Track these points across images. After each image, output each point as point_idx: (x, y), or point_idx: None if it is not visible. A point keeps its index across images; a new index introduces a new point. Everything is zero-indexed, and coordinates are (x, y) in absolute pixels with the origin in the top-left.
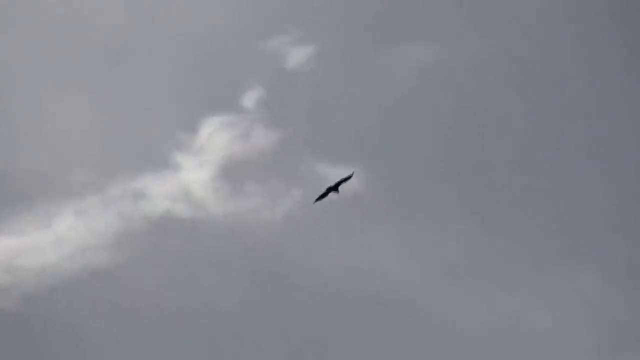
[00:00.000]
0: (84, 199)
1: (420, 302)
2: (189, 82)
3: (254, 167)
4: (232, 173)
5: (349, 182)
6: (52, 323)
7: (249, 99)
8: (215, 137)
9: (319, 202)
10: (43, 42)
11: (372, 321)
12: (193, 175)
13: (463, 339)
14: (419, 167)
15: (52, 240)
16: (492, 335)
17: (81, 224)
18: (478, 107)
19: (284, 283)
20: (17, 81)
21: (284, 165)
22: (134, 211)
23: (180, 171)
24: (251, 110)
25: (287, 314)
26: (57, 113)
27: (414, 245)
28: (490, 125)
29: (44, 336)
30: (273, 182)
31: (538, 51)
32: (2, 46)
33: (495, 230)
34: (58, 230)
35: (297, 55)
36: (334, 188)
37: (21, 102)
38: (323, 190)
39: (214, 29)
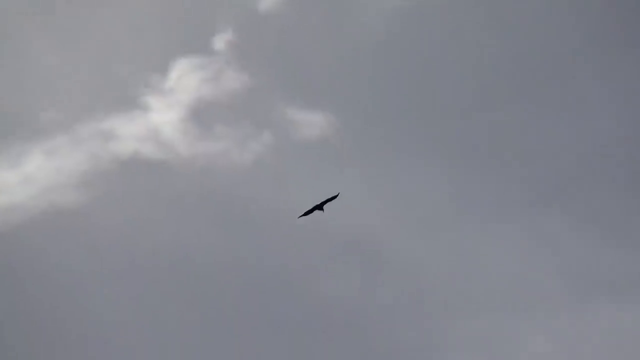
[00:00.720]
0: (53, 138)
1: (388, 245)
2: (160, 22)
3: (223, 110)
4: (201, 115)
5: (319, 130)
6: (18, 262)
7: (220, 41)
8: (186, 79)
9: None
10: None
11: (340, 263)
12: (162, 117)
13: (429, 281)
14: (389, 112)
15: (21, 179)
16: (458, 276)
17: (50, 163)
18: (450, 53)
19: (252, 226)
20: None
21: (254, 108)
22: (103, 151)
23: (149, 112)
24: (222, 52)
25: (254, 256)
26: (27, 53)
27: (382, 189)
28: (461, 70)
29: (10, 275)
30: (243, 126)
31: None
32: None
33: (464, 175)
34: (26, 170)
35: None
36: (320, 207)
37: None
38: (309, 207)
39: None
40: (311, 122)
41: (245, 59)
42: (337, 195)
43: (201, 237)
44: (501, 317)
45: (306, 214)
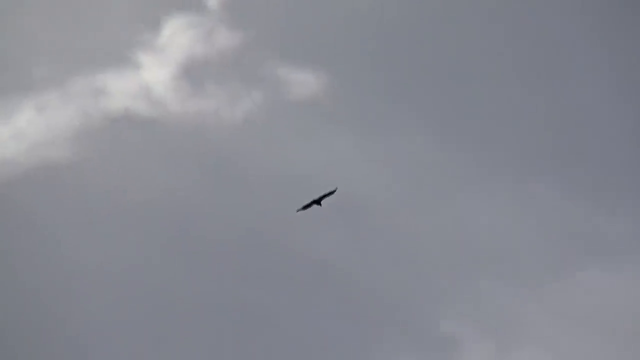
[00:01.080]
0: (44, 94)
1: (378, 205)
2: None
3: (215, 68)
4: (193, 73)
5: (310, 89)
6: (8, 216)
7: None
8: (178, 37)
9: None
10: None
11: (328, 223)
12: (154, 74)
13: (418, 242)
14: (381, 74)
15: (12, 134)
16: (448, 238)
17: (41, 118)
18: (444, 14)
19: (242, 183)
20: None
21: (246, 67)
22: (94, 108)
23: (141, 69)
24: (215, 10)
25: (242, 214)
26: (19, 9)
27: (373, 150)
28: (456, 33)
29: (0, 229)
30: (234, 84)
31: None
32: None
33: (455, 138)
34: (17, 125)
35: None
36: (317, 202)
37: None
38: (307, 201)
39: None
40: (303, 82)
41: (237, 18)
42: (334, 191)
43: (191, 194)
44: (490, 279)
45: (304, 208)
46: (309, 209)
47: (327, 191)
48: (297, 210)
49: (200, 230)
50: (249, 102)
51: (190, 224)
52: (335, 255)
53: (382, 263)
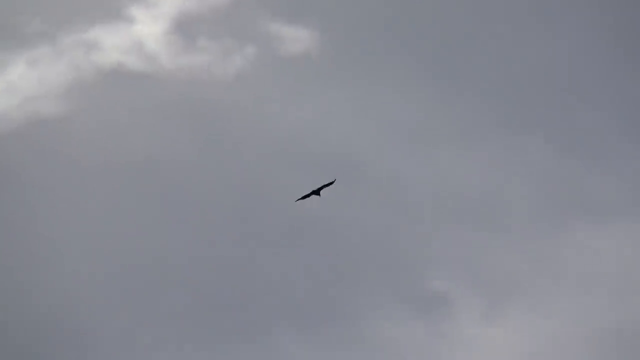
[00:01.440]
0: (36, 48)
1: (369, 161)
2: None
3: (208, 23)
4: (185, 28)
5: (303, 45)
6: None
7: None
8: None
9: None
10: None
11: (321, 178)
12: (146, 29)
13: (410, 199)
14: (374, 30)
15: (3, 88)
16: (439, 195)
17: (32, 73)
18: None
19: (233, 140)
20: None
21: (239, 22)
22: (86, 62)
23: (133, 24)
24: None
25: (233, 170)
26: None
27: (365, 107)
28: None
29: None
30: (226, 39)
31: None
32: None
33: (448, 94)
34: (9, 79)
35: None
36: (317, 192)
37: None
38: (307, 191)
39: None
40: (295, 38)
41: None
42: (333, 182)
43: (183, 149)
44: (481, 236)
45: (303, 198)
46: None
47: (326, 182)
48: (296, 200)
49: (191, 185)
50: (242, 57)
51: (182, 179)
52: (327, 211)
53: (372, 218)
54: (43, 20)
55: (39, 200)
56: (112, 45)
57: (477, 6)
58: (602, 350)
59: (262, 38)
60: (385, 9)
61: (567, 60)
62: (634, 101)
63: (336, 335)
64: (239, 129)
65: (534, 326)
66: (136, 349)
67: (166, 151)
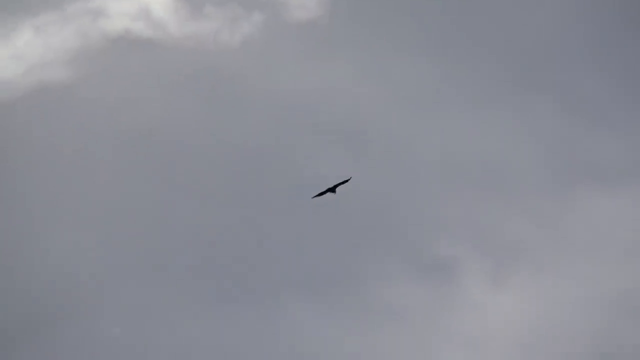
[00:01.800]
0: (43, 15)
1: (376, 127)
2: None
3: None
4: None
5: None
6: (7, 137)
7: None
8: None
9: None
10: None
11: (328, 145)
12: None
13: (415, 162)
14: None
15: (10, 55)
16: (446, 159)
17: (39, 39)
18: None
19: (239, 105)
20: None
21: None
22: (93, 29)
23: None
24: None
25: (241, 137)
26: None
27: (372, 73)
28: None
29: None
30: (233, 6)
31: None
32: None
33: (454, 60)
34: (16, 46)
35: None
36: (332, 189)
37: None
38: (322, 189)
39: None
40: (302, 4)
41: None
42: (349, 179)
43: (189, 115)
44: (488, 201)
45: (319, 195)
46: (323, 196)
47: (341, 180)
48: (313, 197)
49: (198, 151)
50: (249, 24)
51: (188, 145)
52: (335, 177)
53: (379, 184)
54: None
55: (45, 166)
56: (118, 12)
57: None
58: (609, 313)
59: (269, 5)
60: None
61: (576, 22)
62: None
63: (343, 301)
64: (246, 95)
65: (541, 290)
66: (142, 312)
67: (172, 117)
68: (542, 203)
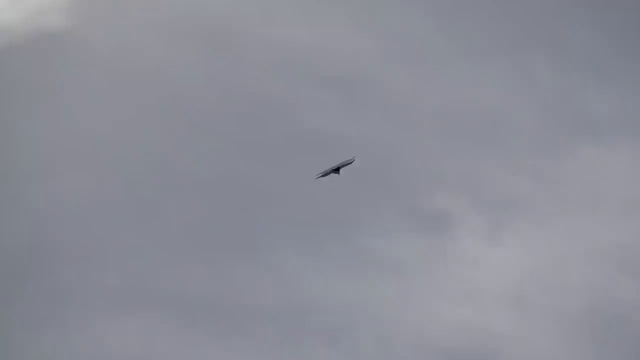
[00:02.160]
0: None
1: (375, 80)
2: None
3: None
4: None
5: None
6: (6, 83)
7: None
8: None
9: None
10: None
11: (326, 94)
12: None
13: (416, 116)
14: None
15: (8, 1)
16: (443, 111)
17: None
18: None
19: (237, 55)
20: None
21: None
22: None
23: None
24: None
25: (239, 83)
26: None
27: (370, 23)
28: None
29: None
30: None
31: None
32: None
33: (454, 11)
34: None
35: None
36: (336, 170)
37: None
38: (326, 169)
39: None
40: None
41: None
42: (352, 160)
43: (189, 63)
44: (484, 154)
45: (323, 175)
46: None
47: (345, 160)
48: (316, 177)
49: (196, 98)
50: None
51: (186, 91)
52: (331, 127)
53: (376, 136)
54: None
55: (43, 111)
56: None
57: None
58: (604, 268)
59: None
60: None
61: None
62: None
63: (338, 253)
64: (245, 43)
65: (536, 244)
66: (136, 262)
67: (172, 64)
68: (539, 158)
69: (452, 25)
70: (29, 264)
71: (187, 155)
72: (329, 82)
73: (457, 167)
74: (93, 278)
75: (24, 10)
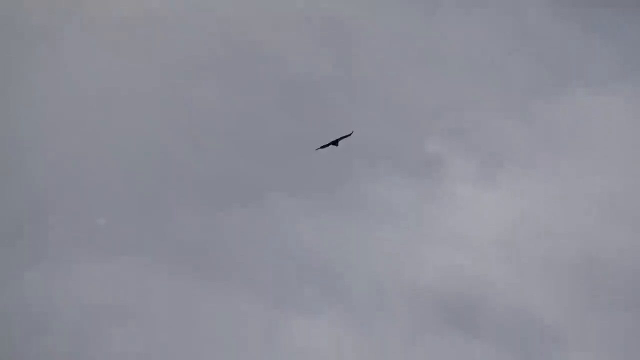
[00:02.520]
0: None
1: (363, 28)
2: None
3: None
4: None
5: None
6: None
7: None
8: None
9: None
10: None
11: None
12: None
13: (407, 60)
14: None
15: None
16: (435, 57)
17: None
18: None
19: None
20: None
21: None
22: None
23: None
24: None
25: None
26: None
27: None
28: None
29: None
30: None
31: None
32: None
33: None
34: None
35: None
36: (335, 142)
37: None
38: (326, 142)
39: None
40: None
41: None
42: (351, 134)
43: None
44: (475, 99)
45: (322, 147)
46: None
47: (344, 134)
48: (316, 149)
49: (186, 41)
50: None
51: (179, 36)
52: (324, 72)
53: (368, 79)
54: None
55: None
56: None
57: None
58: (594, 215)
59: None
60: None
61: None
62: None
63: (330, 199)
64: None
65: (528, 189)
66: (129, 216)
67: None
68: (531, 103)
69: None
70: (22, 212)
71: (179, 101)
72: (320, 26)
73: (449, 110)
74: (83, 224)
75: None
